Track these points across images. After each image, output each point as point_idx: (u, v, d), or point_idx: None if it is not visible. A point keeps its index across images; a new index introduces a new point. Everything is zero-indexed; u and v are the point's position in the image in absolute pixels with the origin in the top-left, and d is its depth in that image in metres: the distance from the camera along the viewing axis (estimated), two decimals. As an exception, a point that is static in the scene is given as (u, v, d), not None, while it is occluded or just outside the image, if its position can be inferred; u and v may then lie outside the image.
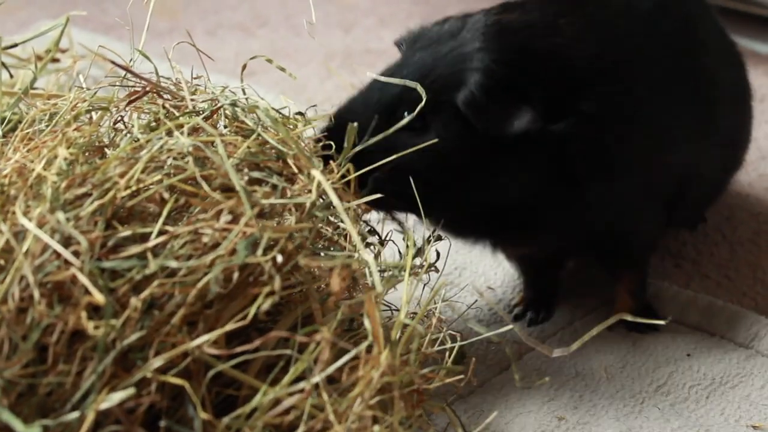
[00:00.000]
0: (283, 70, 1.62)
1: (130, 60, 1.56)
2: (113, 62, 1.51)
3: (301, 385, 1.25)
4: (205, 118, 1.45)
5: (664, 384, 1.64)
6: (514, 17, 1.61)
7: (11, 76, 1.86)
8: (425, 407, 1.39)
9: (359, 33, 2.90)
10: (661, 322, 1.52)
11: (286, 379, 1.26)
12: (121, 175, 1.31)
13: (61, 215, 1.22)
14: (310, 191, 1.37)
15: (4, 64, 1.76)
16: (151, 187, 1.32)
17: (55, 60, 2.03)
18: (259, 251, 1.25)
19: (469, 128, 1.51)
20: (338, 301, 1.31)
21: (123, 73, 1.53)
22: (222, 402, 1.32)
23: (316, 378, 1.25)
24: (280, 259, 1.27)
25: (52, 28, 1.75)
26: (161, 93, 1.49)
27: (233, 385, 1.31)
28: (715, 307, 1.78)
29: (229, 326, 1.24)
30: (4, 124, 1.57)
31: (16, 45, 1.80)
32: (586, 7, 1.70)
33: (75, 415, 1.17)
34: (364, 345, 1.28)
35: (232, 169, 1.29)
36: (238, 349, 1.24)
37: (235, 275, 1.26)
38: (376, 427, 1.25)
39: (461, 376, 1.44)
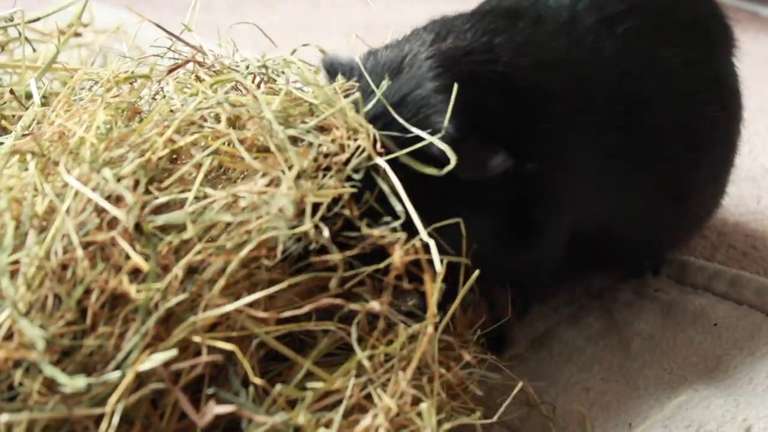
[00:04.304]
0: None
1: (181, 32, 1.57)
2: (163, 28, 1.51)
3: (363, 378, 1.27)
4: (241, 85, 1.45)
5: (692, 354, 1.64)
6: (451, 45, 1.47)
7: (34, 50, 1.87)
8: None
9: (380, 6, 2.89)
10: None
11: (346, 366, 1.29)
12: (158, 135, 1.30)
13: (107, 171, 1.21)
14: (345, 148, 1.33)
15: (27, 39, 1.75)
16: (189, 156, 1.32)
17: (77, 34, 2.03)
18: (307, 219, 1.24)
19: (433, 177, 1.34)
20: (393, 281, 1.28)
21: (166, 44, 1.54)
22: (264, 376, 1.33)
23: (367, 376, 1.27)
24: (327, 234, 1.25)
25: (73, 2, 1.75)
26: (203, 64, 1.49)
27: (278, 362, 1.32)
28: (742, 280, 1.77)
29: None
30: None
31: (38, 19, 1.80)
32: (519, 21, 1.57)
33: (116, 374, 1.16)
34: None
35: (273, 117, 1.26)
36: (287, 314, 1.24)
37: (279, 248, 1.25)
38: (423, 404, 1.26)
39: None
